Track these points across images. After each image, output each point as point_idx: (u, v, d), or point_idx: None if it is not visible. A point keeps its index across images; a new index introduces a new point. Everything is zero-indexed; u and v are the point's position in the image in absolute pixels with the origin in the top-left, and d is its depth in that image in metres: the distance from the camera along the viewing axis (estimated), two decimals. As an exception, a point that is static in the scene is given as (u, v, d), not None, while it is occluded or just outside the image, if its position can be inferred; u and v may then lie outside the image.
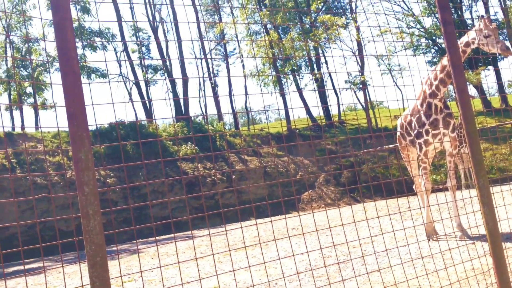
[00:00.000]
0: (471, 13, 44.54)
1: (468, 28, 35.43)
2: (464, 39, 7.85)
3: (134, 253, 13.94)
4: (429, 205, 8.60)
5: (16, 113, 35.80)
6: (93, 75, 32.06)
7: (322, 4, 43.93)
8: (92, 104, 2.92)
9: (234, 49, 50.82)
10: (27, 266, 14.19)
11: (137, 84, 39.26)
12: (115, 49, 40.26)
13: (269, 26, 39.79)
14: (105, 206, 19.60)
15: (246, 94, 30.48)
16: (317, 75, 41.15)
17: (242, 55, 43.99)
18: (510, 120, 23.33)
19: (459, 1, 40.96)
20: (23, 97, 33.01)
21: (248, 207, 21.92)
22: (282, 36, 41.95)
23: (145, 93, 39.96)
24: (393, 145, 19.18)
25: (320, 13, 42.17)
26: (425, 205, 8.76)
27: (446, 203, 11.81)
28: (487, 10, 38.84)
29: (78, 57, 2.63)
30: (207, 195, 25.03)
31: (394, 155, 25.72)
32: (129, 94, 40.83)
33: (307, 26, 37.29)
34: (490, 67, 38.95)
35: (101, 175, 23.31)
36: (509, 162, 23.95)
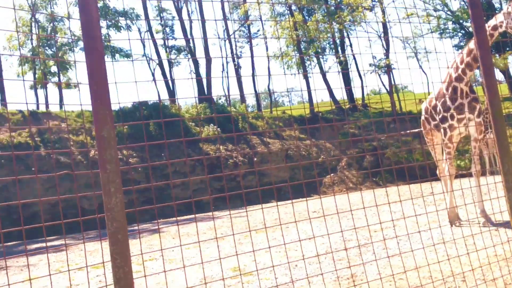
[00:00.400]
0: (499, -4, 43.72)
1: (496, 11, 34.78)
2: (491, 22, 7.70)
3: (155, 233, 14.08)
4: (453, 190, 8.53)
5: (41, 92, 36.17)
6: (117, 55, 32.22)
7: (348, -15, 43.48)
8: (115, 82, 2.92)
9: (258, 30, 50.65)
10: (49, 244, 14.41)
11: (160, 64, 39.39)
12: (139, 29, 40.39)
13: (293, 7, 39.50)
14: (127, 185, 19.75)
15: (269, 76, 30.36)
16: (341, 58, 40.84)
17: (266, 37, 43.81)
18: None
19: (487, -16, 40.18)
20: (48, 76, 33.32)
21: (269, 189, 21.96)
22: (307, 18, 41.64)
23: (168, 74, 40.11)
24: (417, 130, 19.02)
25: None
26: (448, 191, 8.68)
27: (470, 188, 11.70)
28: (516, -7, 38.04)
29: (102, 37, 2.63)
30: (229, 177, 25.12)
31: (418, 140, 25.48)
32: (153, 74, 41.01)
33: (332, 8, 36.96)
34: (518, 52, 38.26)
35: (123, 154, 23.51)
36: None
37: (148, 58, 39.38)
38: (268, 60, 43.04)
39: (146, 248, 10.32)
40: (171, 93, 38.86)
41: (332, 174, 26.69)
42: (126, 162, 23.03)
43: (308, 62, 43.45)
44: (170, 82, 38.39)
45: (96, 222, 2.83)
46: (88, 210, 21.06)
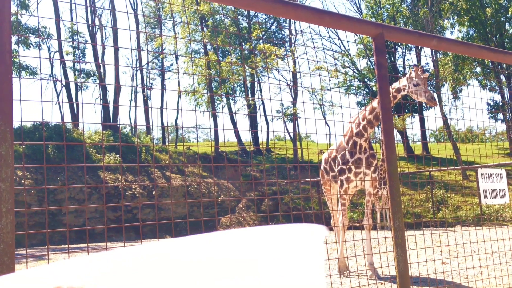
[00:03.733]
0: (403, 60, 46.37)
1: (399, 74, 36.82)
2: (395, 84, 8.12)
3: (42, 259, 13.44)
4: (345, 240, 8.77)
5: None
6: (23, 72, 31.04)
7: (263, 33, 44.58)
8: (20, 100, 2.82)
9: (171, 64, 50.64)
10: None
11: (67, 87, 38.30)
12: (49, 49, 39.25)
13: (209, 46, 39.91)
14: (19, 207, 18.85)
15: (178, 110, 30.27)
16: (251, 101, 41.50)
17: (178, 71, 43.81)
18: (429, 168, 24.25)
19: (393, 48, 42.56)
20: None
21: (167, 223, 21.65)
22: (221, 58, 42.16)
23: (74, 98, 39.02)
24: (316, 179, 19.51)
25: (260, 41, 42.76)
26: (340, 241, 8.92)
27: (361, 240, 12.08)
28: (419, 59, 40.56)
29: (12, 50, 2.55)
30: (125, 208, 24.55)
31: (316, 189, 26.14)
32: (58, 96, 39.77)
33: (246, 52, 37.66)
34: (416, 115, 40.54)
35: (17, 175, 22.46)
36: (424, 209, 24.83)
37: (55, 79, 38.21)
38: (179, 94, 42.97)
39: (30, 275, 9.79)
40: (75, 117, 37.77)
41: (230, 215, 26.74)
42: (19, 183, 21.99)
43: (218, 102, 43.83)
44: (75, 105, 37.36)
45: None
46: (-30, 230, 19.80)
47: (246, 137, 48.30)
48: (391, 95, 7.98)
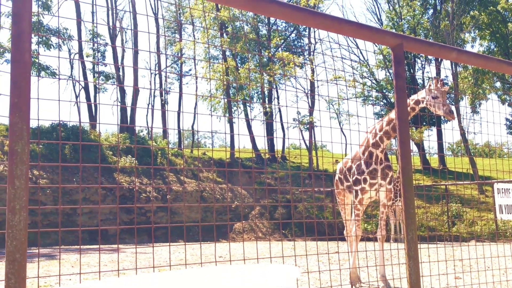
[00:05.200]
0: (423, 72, 46.14)
1: (418, 86, 36.64)
2: (414, 97, 8.07)
3: (53, 259, 13.53)
4: (357, 251, 8.72)
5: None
6: (43, 72, 31.36)
7: (283, 41, 44.65)
8: (38, 98, 2.85)
9: (190, 69, 50.87)
10: None
11: (86, 88, 38.64)
12: (69, 50, 39.63)
13: (227, 53, 40.05)
14: (33, 206, 19.02)
15: (195, 115, 30.34)
16: (268, 108, 41.54)
17: (196, 76, 44.01)
18: (446, 182, 24.07)
19: (413, 59, 42.38)
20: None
21: (179, 227, 21.68)
22: (239, 64, 42.29)
23: (93, 98, 39.33)
24: (330, 188, 19.43)
25: (279, 49, 42.82)
26: (353, 251, 8.87)
27: (373, 252, 12.01)
28: (438, 72, 40.35)
29: (31, 50, 2.58)
30: (139, 211, 24.66)
31: (330, 198, 26.05)
32: (76, 97, 40.11)
33: (265, 59, 37.75)
34: (433, 128, 40.31)
35: (33, 174, 22.65)
36: (439, 222, 24.63)
37: (74, 80, 38.55)
38: (196, 100, 43.15)
39: (43, 273, 9.87)
40: (93, 118, 38.05)
41: (243, 221, 26.73)
42: (35, 182, 22.18)
43: (235, 108, 43.94)
44: (93, 106, 37.66)
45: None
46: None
47: (261, 144, 48.32)
48: (409, 107, 7.95)
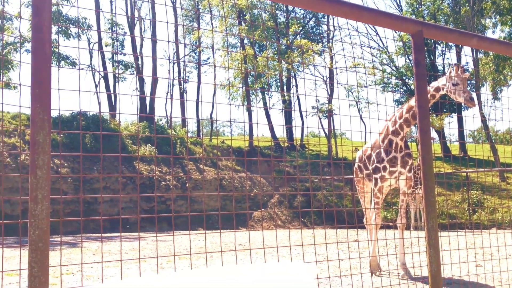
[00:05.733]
0: (443, 59, 45.66)
1: (439, 73, 36.28)
2: (435, 84, 7.99)
3: (75, 247, 13.69)
4: (377, 239, 8.70)
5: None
6: (62, 62, 31.58)
7: (301, 28, 44.42)
8: (59, 89, 2.87)
9: (208, 58, 50.90)
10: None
11: (105, 78, 38.87)
12: (88, 40, 39.85)
13: (246, 41, 39.97)
14: (55, 195, 19.25)
15: (214, 104, 30.40)
16: (286, 96, 41.45)
17: (215, 65, 44.04)
18: (466, 169, 23.87)
19: (433, 46, 41.93)
20: (-14, 73, 32.22)
21: (199, 215, 21.80)
22: (258, 52, 42.21)
23: (112, 88, 39.57)
24: (350, 176, 19.37)
25: (297, 36, 42.62)
26: (372, 239, 8.85)
27: (393, 240, 11.97)
28: (459, 58, 39.88)
29: (51, 40, 2.60)
30: (159, 199, 24.82)
31: (349, 186, 25.98)
32: (96, 87, 40.36)
33: (283, 47, 37.62)
34: (454, 115, 39.91)
35: (54, 163, 22.89)
36: (459, 210, 24.45)
37: (94, 70, 38.80)
38: (214, 89, 43.20)
39: (65, 262, 10.01)
40: (113, 108, 38.30)
41: (262, 209, 26.79)
42: (56, 171, 22.41)
43: (253, 97, 43.89)
44: (113, 96, 37.89)
45: (16, 228, 2.74)
46: (9, 216, 20.29)
47: (280, 132, 48.33)
48: (430, 94, 7.89)
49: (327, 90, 42.79)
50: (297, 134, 47.12)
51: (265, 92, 42.85)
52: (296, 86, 47.16)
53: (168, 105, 49.81)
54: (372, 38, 45.54)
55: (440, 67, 43.29)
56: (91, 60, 40.15)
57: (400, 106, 8.74)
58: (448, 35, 4.52)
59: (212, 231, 20.24)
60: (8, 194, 20.59)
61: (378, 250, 9.53)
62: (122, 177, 23.07)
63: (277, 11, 43.19)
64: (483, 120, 33.07)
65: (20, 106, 2.91)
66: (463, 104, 7.64)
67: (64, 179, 22.55)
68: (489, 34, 41.83)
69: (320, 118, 43.02)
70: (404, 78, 43.32)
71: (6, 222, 2.73)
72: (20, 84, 2.96)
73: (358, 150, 10.44)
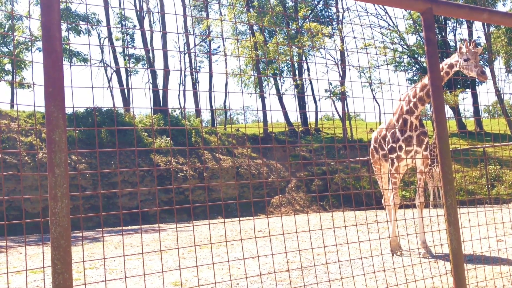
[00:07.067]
0: (454, 35, 45.18)
1: (451, 49, 35.92)
2: (448, 60, 7.93)
3: (97, 241, 13.82)
4: (396, 220, 8.69)
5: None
6: (74, 59, 31.74)
7: (310, 12, 44.16)
8: (72, 86, 2.90)
9: (219, 47, 50.85)
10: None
11: (117, 72, 39.01)
12: (99, 35, 39.97)
13: (255, 27, 39.83)
14: (74, 191, 19.44)
15: (226, 92, 30.41)
16: (298, 81, 41.32)
17: (225, 54, 43.96)
18: (483, 144, 23.69)
19: (444, 22, 41.49)
20: (0, 74, 32.53)
21: (217, 205, 21.90)
22: (268, 39, 42.06)
23: (125, 82, 39.73)
24: (366, 158, 19.31)
25: (307, 20, 42.39)
26: (392, 220, 8.84)
27: (413, 219, 11.94)
28: (470, 33, 39.44)
29: (62, 38, 2.61)
30: (177, 190, 24.95)
31: (366, 168, 25.93)
32: (109, 81, 40.55)
33: (293, 32, 37.44)
34: (468, 90, 39.55)
35: (72, 159, 23.08)
36: (478, 186, 24.31)
37: (106, 65, 38.95)
38: (226, 77, 43.21)
39: (87, 257, 10.12)
40: (126, 101, 38.49)
41: (280, 195, 26.83)
42: (74, 168, 22.60)
43: (265, 83, 43.82)
44: (126, 90, 38.04)
45: (38, 225, 2.78)
46: (31, 214, 20.55)
47: (294, 117, 48.21)
48: (444, 71, 7.83)
49: (339, 73, 42.62)
50: (311, 118, 47.08)
51: (277, 78, 42.74)
52: (308, 70, 47.03)
53: (181, 96, 49.93)
54: (381, 17, 45.22)
55: (452, 43, 42.86)
56: (102, 55, 40.32)
57: (413, 84, 8.67)
58: (458, 11, 4.48)
59: (231, 219, 20.31)
60: (28, 192, 20.83)
61: (398, 229, 9.52)
62: (140, 170, 23.23)
63: (285, -4, 42.93)
64: (498, 94, 32.76)
65: (34, 106, 2.94)
66: (476, 79, 7.57)
67: (82, 175, 22.75)
68: (499, 7, 41.30)
69: (333, 101, 42.86)
70: (416, 56, 42.97)
71: (28, 221, 2.77)
72: (33, 84, 2.99)
73: (373, 131, 10.40)
